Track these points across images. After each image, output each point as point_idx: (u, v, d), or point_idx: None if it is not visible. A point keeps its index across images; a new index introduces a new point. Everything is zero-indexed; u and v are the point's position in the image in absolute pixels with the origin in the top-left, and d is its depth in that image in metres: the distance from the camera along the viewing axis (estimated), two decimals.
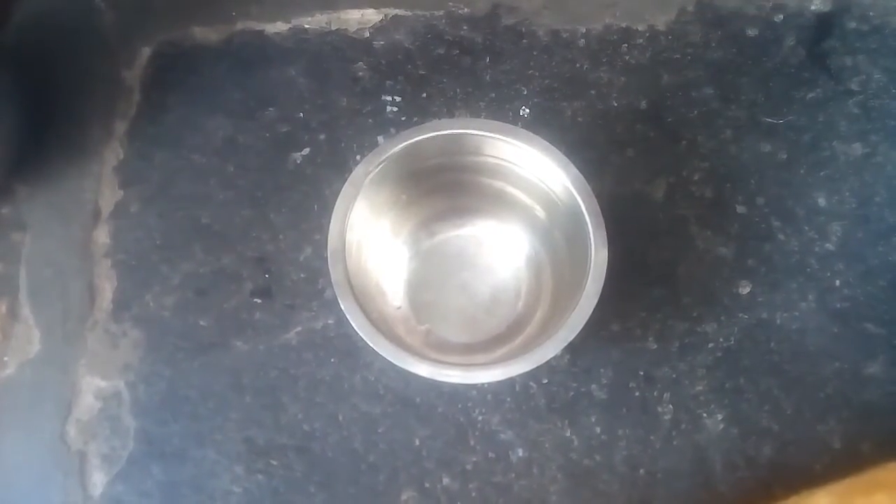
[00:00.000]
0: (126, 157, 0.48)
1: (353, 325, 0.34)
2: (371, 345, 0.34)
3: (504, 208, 0.43)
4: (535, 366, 0.34)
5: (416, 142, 0.38)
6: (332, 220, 0.36)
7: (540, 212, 0.40)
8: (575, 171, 0.36)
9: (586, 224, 0.35)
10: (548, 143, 0.37)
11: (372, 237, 0.41)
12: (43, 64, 0.50)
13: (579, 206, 0.36)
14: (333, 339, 0.43)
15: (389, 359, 0.33)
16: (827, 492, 0.34)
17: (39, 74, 0.49)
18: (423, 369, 0.33)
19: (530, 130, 0.37)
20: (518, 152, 0.38)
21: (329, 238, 0.36)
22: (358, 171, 0.37)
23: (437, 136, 0.38)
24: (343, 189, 0.37)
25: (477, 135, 0.38)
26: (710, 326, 0.43)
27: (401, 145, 0.37)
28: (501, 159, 0.39)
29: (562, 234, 0.39)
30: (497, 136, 0.38)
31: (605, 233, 0.35)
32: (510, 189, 0.41)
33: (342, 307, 0.34)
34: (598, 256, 0.35)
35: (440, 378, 0.33)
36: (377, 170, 0.37)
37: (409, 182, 0.40)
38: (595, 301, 0.34)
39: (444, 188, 0.42)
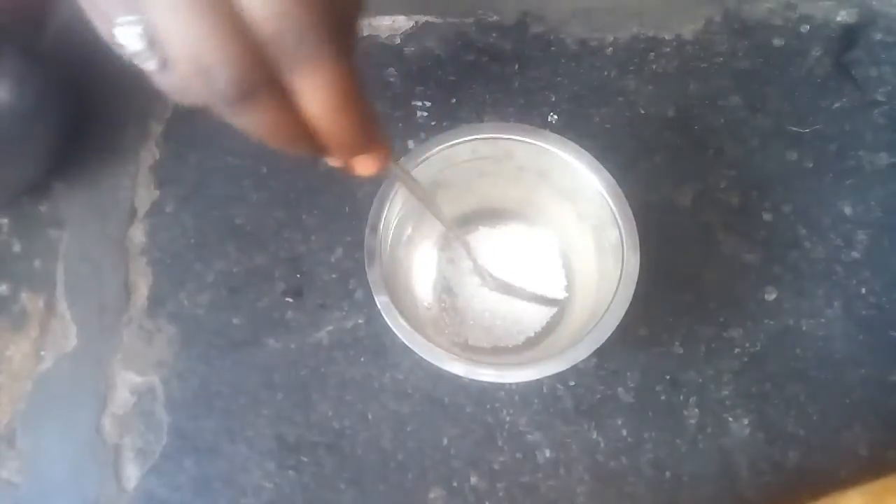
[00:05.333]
0: (162, 158, 0.49)
1: (389, 323, 0.34)
2: (407, 343, 0.34)
3: (534, 212, 0.43)
4: (567, 366, 0.34)
5: (451, 146, 0.38)
6: (368, 221, 0.37)
7: (571, 216, 0.41)
8: (607, 175, 0.37)
9: (618, 228, 0.36)
10: (580, 148, 0.37)
11: (403, 238, 0.41)
12: (81, 67, 0.51)
13: (611, 211, 0.36)
14: (363, 339, 0.44)
15: (426, 357, 0.34)
16: (860, 491, 0.35)
17: (78, 77, 0.51)
18: (458, 368, 0.34)
19: None
20: (550, 157, 0.38)
21: (365, 238, 0.36)
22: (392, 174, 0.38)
23: (471, 140, 0.38)
24: (379, 191, 0.37)
25: (510, 139, 0.38)
26: (737, 332, 0.43)
27: (435, 149, 0.38)
28: (533, 163, 0.39)
29: (592, 238, 0.40)
30: (529, 140, 0.38)
31: (637, 238, 0.36)
32: (541, 193, 0.41)
33: (378, 305, 0.35)
34: (629, 261, 0.35)
35: (475, 377, 0.34)
36: (412, 172, 0.38)
37: (442, 185, 0.41)
38: (627, 305, 0.35)
39: (475, 192, 0.43)
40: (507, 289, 0.43)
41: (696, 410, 0.42)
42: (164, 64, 0.19)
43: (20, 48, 0.44)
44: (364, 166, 0.24)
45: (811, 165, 0.46)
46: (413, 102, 0.49)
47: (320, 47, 0.18)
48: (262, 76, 0.19)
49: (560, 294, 0.43)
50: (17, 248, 0.48)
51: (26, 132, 0.44)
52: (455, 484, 0.42)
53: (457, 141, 0.38)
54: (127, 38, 0.19)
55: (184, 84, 0.19)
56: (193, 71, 0.19)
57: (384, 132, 0.23)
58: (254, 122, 0.20)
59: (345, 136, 0.21)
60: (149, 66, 0.19)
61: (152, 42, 0.19)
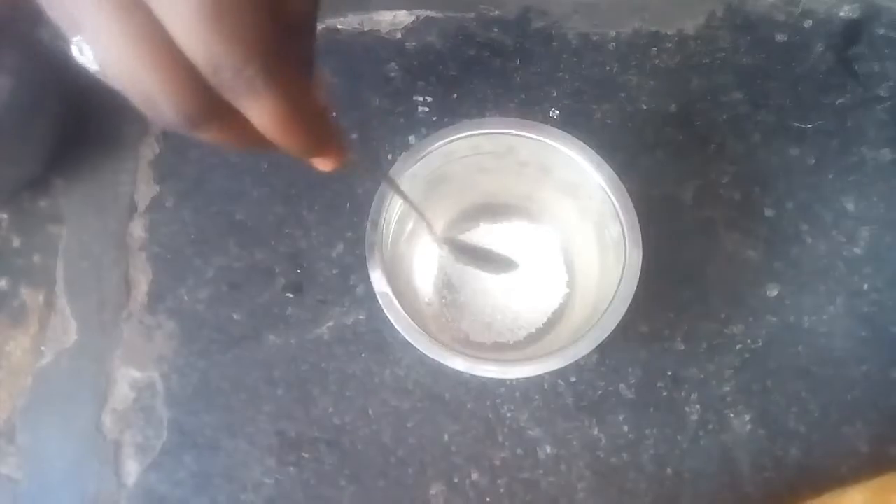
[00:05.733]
0: (162, 153, 0.49)
1: (391, 318, 0.34)
2: (408, 339, 0.34)
3: (536, 207, 0.43)
4: (568, 362, 0.34)
5: (452, 141, 0.38)
6: (369, 217, 0.36)
7: (572, 211, 0.41)
8: (609, 170, 0.36)
9: (621, 224, 0.36)
10: (582, 143, 0.37)
11: (404, 234, 0.41)
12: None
13: (614, 206, 0.36)
14: (364, 335, 0.44)
15: (426, 352, 0.34)
16: (861, 489, 0.35)
17: (77, 72, 0.50)
18: (459, 363, 0.34)
19: None
20: (552, 152, 0.38)
21: (366, 234, 0.36)
22: (395, 169, 0.38)
23: (473, 135, 0.38)
24: (380, 187, 0.37)
25: (511, 134, 0.38)
26: (738, 328, 0.43)
27: (437, 144, 0.38)
28: (535, 159, 0.39)
29: (594, 233, 0.40)
30: (531, 135, 0.38)
31: (639, 233, 0.35)
32: (543, 188, 0.41)
33: (379, 301, 0.35)
34: (631, 257, 0.35)
35: (477, 372, 0.34)
36: (413, 168, 0.38)
37: (443, 180, 0.41)
38: (629, 301, 0.34)
39: (477, 187, 0.43)
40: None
41: (698, 407, 0.42)
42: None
43: (19, 43, 0.44)
44: (322, 164, 0.25)
45: (813, 161, 0.46)
46: (414, 97, 0.49)
47: (256, 81, 0.18)
48: (207, 105, 0.19)
49: (562, 288, 0.43)
50: (16, 243, 0.47)
51: (25, 127, 0.44)
52: (456, 480, 0.41)
53: (458, 136, 0.38)
54: (81, 58, 0.19)
55: (139, 106, 0.19)
56: (139, 100, 0.19)
57: (338, 131, 0.24)
58: (211, 139, 0.21)
59: (295, 146, 0.21)
60: (111, 84, 0.19)
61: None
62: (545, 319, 0.43)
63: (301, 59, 0.22)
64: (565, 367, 0.34)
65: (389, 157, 0.47)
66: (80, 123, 0.49)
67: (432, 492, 0.41)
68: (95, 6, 0.17)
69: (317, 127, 0.22)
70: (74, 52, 0.19)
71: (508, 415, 0.42)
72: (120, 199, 0.48)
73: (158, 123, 0.20)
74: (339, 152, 0.25)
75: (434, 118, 0.48)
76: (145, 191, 0.48)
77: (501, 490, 0.41)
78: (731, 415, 0.42)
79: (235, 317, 0.45)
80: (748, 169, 0.46)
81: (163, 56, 0.18)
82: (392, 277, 0.37)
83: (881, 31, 0.49)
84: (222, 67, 0.18)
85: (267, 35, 0.18)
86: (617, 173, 0.36)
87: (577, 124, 0.47)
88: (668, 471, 0.41)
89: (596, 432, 0.42)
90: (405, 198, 0.35)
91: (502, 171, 0.41)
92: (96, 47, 0.18)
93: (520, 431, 0.42)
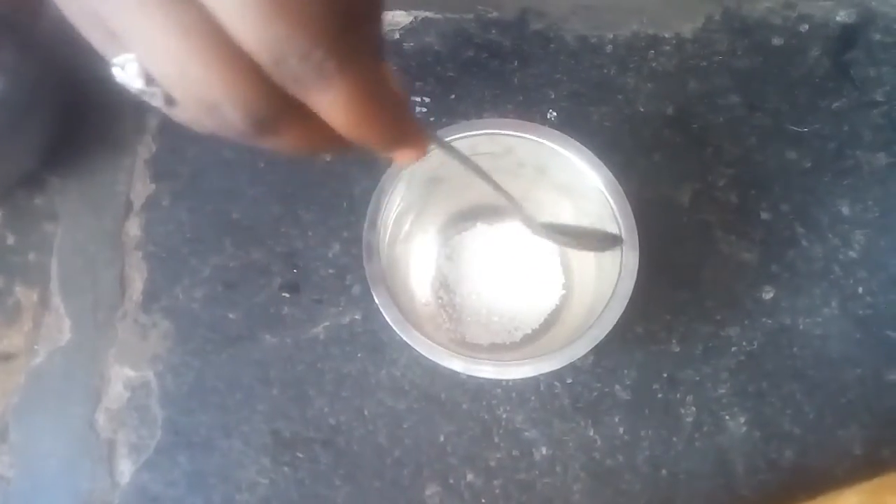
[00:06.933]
0: (158, 152, 0.48)
1: (388, 318, 0.34)
2: (405, 339, 0.34)
3: (533, 208, 0.43)
4: (565, 363, 0.34)
5: (449, 141, 0.38)
6: (367, 216, 0.36)
7: (570, 212, 0.41)
8: (607, 172, 0.36)
9: (618, 226, 0.36)
10: (580, 145, 0.37)
11: (401, 234, 0.41)
12: (76, 58, 0.51)
13: (611, 208, 0.36)
14: (360, 335, 0.44)
15: (423, 353, 0.34)
16: (856, 490, 0.35)
17: (73, 69, 0.50)
18: (456, 364, 0.34)
19: None
20: (550, 153, 0.38)
21: (364, 234, 0.36)
22: (391, 170, 0.38)
23: (470, 135, 0.38)
24: (378, 186, 0.37)
25: (509, 135, 0.38)
26: (734, 330, 0.43)
27: (434, 144, 0.38)
28: (533, 160, 0.39)
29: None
30: (529, 136, 0.38)
31: (636, 235, 0.36)
32: (540, 189, 0.41)
33: (376, 301, 0.35)
34: (628, 259, 0.35)
35: (473, 373, 0.34)
36: (411, 167, 0.38)
37: (440, 181, 0.41)
38: (626, 302, 0.35)
39: (474, 188, 0.43)
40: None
41: (693, 409, 0.42)
42: (171, 100, 0.18)
43: (14, 39, 0.43)
44: (404, 157, 0.22)
45: (809, 165, 0.46)
46: (412, 98, 0.49)
47: (327, 65, 0.16)
48: (276, 105, 0.17)
49: (559, 290, 0.43)
50: (10, 241, 0.47)
51: (21, 124, 0.44)
52: (451, 481, 0.41)
53: (456, 137, 0.38)
54: (124, 77, 0.17)
55: (197, 120, 0.18)
56: (202, 110, 0.17)
57: (417, 119, 0.22)
58: (281, 144, 0.19)
59: (376, 140, 0.20)
60: (156, 102, 0.18)
61: (151, 79, 0.17)
62: (542, 320, 0.43)
63: (372, 41, 0.19)
64: (561, 369, 0.34)
65: None
66: (76, 121, 0.49)
67: (428, 492, 0.41)
68: (143, 17, 0.16)
69: (397, 115, 0.20)
70: (116, 72, 0.18)
71: (504, 416, 0.42)
72: (115, 198, 0.48)
73: (224, 133, 0.18)
74: (420, 142, 0.22)
75: (432, 118, 0.48)
76: (141, 189, 0.48)
77: (497, 491, 0.41)
78: (727, 417, 0.42)
79: (231, 316, 0.45)
80: (744, 172, 0.46)
81: (223, 55, 0.16)
82: (389, 278, 0.37)
83: (877, 36, 0.49)
84: (287, 55, 0.16)
85: (334, 13, 0.16)
86: (614, 175, 0.37)
87: (574, 126, 0.47)
88: (664, 472, 0.41)
89: (591, 434, 0.42)
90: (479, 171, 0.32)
91: (500, 171, 0.41)
92: (150, 61, 0.17)
93: (516, 432, 0.42)
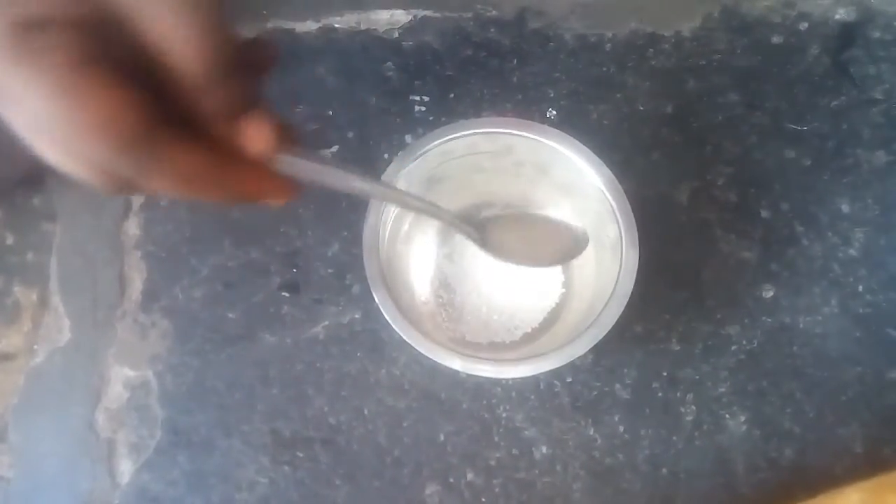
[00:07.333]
0: None
1: (388, 318, 0.34)
2: (405, 338, 0.34)
3: (533, 207, 0.43)
4: (564, 362, 0.34)
5: (449, 140, 0.38)
6: (367, 216, 0.36)
7: (569, 211, 0.41)
8: (607, 171, 0.36)
9: (618, 224, 0.36)
10: (579, 143, 0.37)
11: (401, 234, 0.41)
12: None
13: (611, 207, 0.36)
14: (360, 334, 0.44)
15: (423, 352, 0.34)
16: (857, 488, 0.35)
17: None
18: (456, 363, 0.34)
19: None
20: (549, 152, 0.38)
21: (364, 233, 0.36)
22: (391, 168, 0.38)
23: (470, 134, 0.38)
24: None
25: (509, 134, 0.38)
26: (734, 329, 0.43)
27: (433, 144, 0.38)
28: (532, 158, 0.39)
29: (591, 233, 0.40)
30: (529, 135, 0.38)
31: (636, 234, 0.36)
32: (539, 188, 0.41)
33: (376, 300, 0.35)
34: (628, 257, 0.35)
35: (473, 372, 0.34)
36: (409, 167, 0.38)
37: (440, 180, 0.41)
38: (625, 301, 0.35)
39: (473, 187, 0.43)
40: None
41: (693, 407, 0.42)
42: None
43: None
44: (268, 203, 0.25)
45: (809, 163, 0.46)
46: (411, 97, 0.49)
47: (146, 165, 0.21)
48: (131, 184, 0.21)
49: (558, 289, 0.43)
50: (10, 240, 0.47)
51: None
52: (451, 480, 0.41)
53: (455, 135, 0.38)
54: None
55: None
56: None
57: (275, 173, 0.24)
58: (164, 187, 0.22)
59: (222, 200, 0.23)
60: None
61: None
62: (541, 319, 0.43)
63: (193, 127, 0.22)
64: (561, 368, 0.34)
65: (386, 156, 0.47)
66: None
67: (427, 492, 0.41)
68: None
69: (238, 179, 0.23)
70: None
71: (504, 415, 0.42)
72: (115, 198, 0.47)
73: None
74: (281, 190, 0.25)
75: (431, 118, 0.48)
76: None
77: (497, 490, 0.41)
78: (727, 415, 0.42)
79: (230, 316, 0.45)
80: (744, 170, 0.46)
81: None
82: (388, 277, 0.37)
83: (876, 34, 0.49)
84: (114, 166, 0.20)
85: (135, 125, 0.20)
86: (613, 173, 0.37)
87: (573, 125, 0.47)
88: (664, 471, 0.41)
89: (591, 432, 0.42)
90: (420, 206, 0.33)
91: (499, 170, 0.41)
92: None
93: (515, 431, 0.42)
